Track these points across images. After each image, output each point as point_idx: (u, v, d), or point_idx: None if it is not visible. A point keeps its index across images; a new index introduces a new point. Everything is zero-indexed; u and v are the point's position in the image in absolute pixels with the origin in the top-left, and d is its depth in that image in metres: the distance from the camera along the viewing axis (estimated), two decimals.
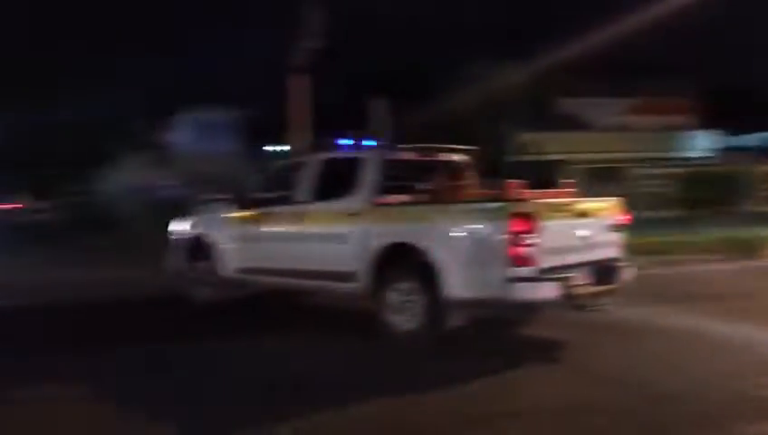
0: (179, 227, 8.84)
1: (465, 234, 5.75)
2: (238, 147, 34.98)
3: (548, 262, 5.61)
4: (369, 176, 6.60)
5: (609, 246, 6.39)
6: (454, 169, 7.33)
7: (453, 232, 5.80)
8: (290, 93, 19.61)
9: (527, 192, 6.01)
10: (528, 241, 5.43)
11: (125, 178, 28.01)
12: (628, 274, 6.42)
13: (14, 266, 12.46)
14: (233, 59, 29.76)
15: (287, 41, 18.16)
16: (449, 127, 18.00)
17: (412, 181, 6.91)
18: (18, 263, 13.22)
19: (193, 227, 8.52)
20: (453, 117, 20.33)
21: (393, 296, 6.16)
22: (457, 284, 5.65)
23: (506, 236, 5.42)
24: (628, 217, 6.69)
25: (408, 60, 25.14)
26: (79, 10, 27.04)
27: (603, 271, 6.10)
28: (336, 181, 6.84)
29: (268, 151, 39.90)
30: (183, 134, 29.14)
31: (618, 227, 6.50)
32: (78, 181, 28.89)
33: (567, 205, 6.12)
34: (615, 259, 6.39)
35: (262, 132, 39.48)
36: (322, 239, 6.90)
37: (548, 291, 5.54)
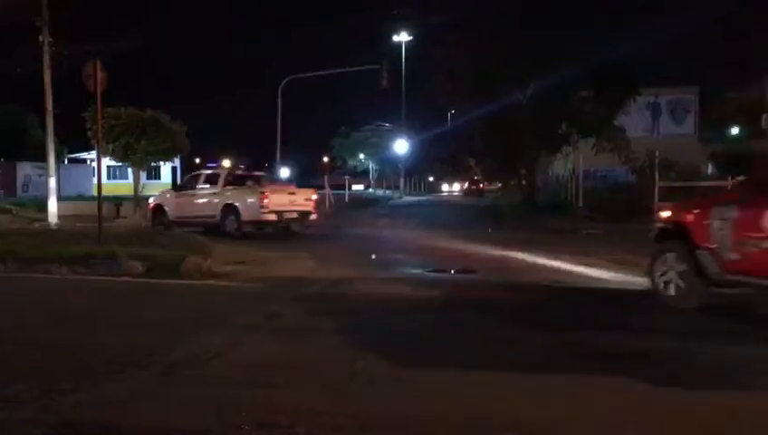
0: (151, 199, 19.54)
1: (249, 198, 16.57)
2: (693, 130, 32.55)
3: (275, 208, 16.47)
4: (221, 179, 17.66)
5: (305, 206, 17.35)
6: (258, 178, 18.89)
7: (245, 197, 16.69)
8: None
9: (272, 186, 18.19)
10: (266, 201, 16.30)
11: (576, 163, 28.38)
12: (312, 217, 17.61)
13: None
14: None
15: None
16: None
17: (240, 181, 17.98)
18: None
19: (155, 199, 19.11)
20: None
21: (228, 221, 16.68)
22: (246, 214, 16.49)
23: (260, 199, 16.30)
24: (316, 197, 18.26)
25: None
26: None
27: (302, 214, 17.26)
28: (211, 179, 17.99)
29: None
30: (637, 117, 28.11)
31: (309, 201, 17.59)
32: (527, 165, 29.92)
33: (284, 191, 17.68)
34: (308, 211, 17.43)
35: (719, 114, 35.90)
36: (205, 198, 17.53)
37: (273, 217, 16.46)
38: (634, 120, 27.69)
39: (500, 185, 55.02)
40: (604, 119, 25.20)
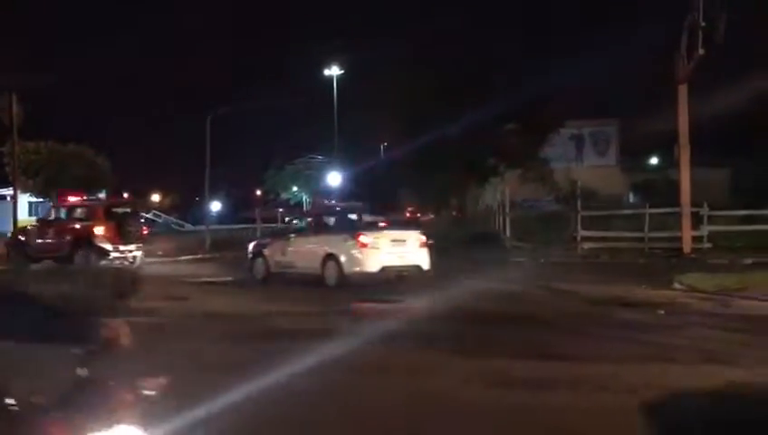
0: None
1: None
2: (615, 160, 33.98)
3: None
4: None
5: None
6: None
7: None
8: (678, 105, 18.40)
9: None
10: None
11: (503, 194, 29.00)
12: None
13: None
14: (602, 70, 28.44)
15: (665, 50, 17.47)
16: None
17: None
18: None
19: None
20: None
21: None
22: None
23: None
24: None
25: None
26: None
27: None
28: None
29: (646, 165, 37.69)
30: (561, 148, 29.06)
31: None
32: (458, 196, 30.40)
33: None
34: None
35: (639, 145, 37.39)
36: None
37: None
38: (559, 152, 28.62)
39: (431, 216, 55.48)
40: (529, 151, 25.92)
